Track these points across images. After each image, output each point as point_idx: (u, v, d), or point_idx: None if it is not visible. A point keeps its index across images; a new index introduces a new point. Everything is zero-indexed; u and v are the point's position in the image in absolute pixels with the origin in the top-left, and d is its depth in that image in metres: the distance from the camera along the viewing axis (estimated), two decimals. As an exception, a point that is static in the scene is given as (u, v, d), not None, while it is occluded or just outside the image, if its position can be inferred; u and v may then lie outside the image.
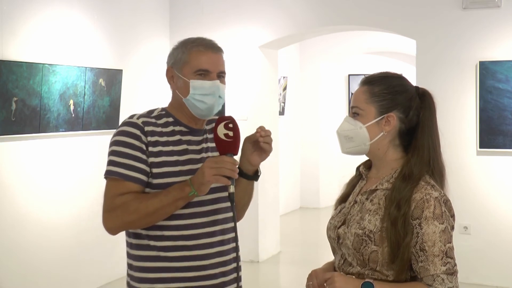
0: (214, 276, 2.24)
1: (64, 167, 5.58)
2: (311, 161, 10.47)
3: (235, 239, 2.23)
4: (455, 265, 1.90)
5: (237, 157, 2.19)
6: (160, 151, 2.21)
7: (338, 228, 2.05)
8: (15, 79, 4.91)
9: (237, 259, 2.30)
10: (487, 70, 5.88)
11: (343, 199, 2.15)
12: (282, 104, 9.77)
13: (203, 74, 2.24)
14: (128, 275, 2.31)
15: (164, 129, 2.26)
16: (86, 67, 5.67)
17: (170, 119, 2.30)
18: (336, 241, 2.06)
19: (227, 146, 2.15)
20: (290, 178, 10.05)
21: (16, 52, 4.99)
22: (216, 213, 2.27)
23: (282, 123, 9.36)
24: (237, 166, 2.14)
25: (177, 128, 2.29)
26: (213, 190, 2.23)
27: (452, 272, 1.88)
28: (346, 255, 2.02)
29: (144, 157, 2.19)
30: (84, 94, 5.66)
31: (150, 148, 2.20)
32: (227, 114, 6.87)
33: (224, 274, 2.26)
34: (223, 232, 2.28)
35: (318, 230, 8.71)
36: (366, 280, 1.91)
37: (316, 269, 2.12)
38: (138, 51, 6.58)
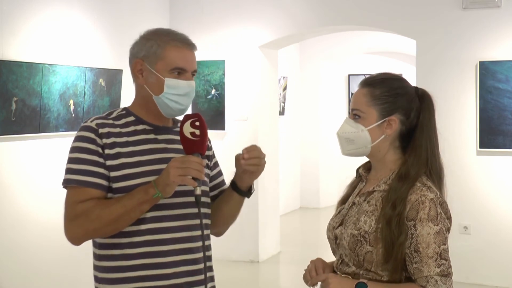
0: (180, 287, 2.07)
1: (64, 167, 5.57)
2: (311, 161, 10.47)
3: (204, 248, 2.07)
4: (450, 267, 1.88)
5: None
6: (118, 153, 2.06)
7: (336, 228, 2.06)
8: (15, 79, 4.91)
9: (206, 269, 2.11)
10: (487, 70, 5.88)
11: (343, 200, 2.15)
12: (282, 104, 9.77)
13: (179, 72, 2.10)
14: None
15: (124, 130, 2.10)
16: (86, 67, 5.66)
17: (131, 119, 2.14)
18: (334, 241, 2.06)
19: (194, 145, 2.02)
20: (290, 178, 10.05)
21: (16, 52, 4.99)
22: (185, 218, 2.09)
23: (282, 123, 9.36)
24: (204, 166, 2.01)
25: (140, 127, 2.13)
26: (182, 194, 2.07)
27: (446, 274, 1.86)
28: (343, 256, 2.02)
29: (101, 160, 2.05)
30: (84, 94, 5.66)
31: (107, 151, 2.06)
32: (227, 114, 6.88)
33: (191, 284, 2.08)
34: (191, 239, 2.09)
35: (318, 230, 8.70)
36: (360, 280, 1.91)
37: (320, 259, 2.10)
38: (138, 51, 6.56)
